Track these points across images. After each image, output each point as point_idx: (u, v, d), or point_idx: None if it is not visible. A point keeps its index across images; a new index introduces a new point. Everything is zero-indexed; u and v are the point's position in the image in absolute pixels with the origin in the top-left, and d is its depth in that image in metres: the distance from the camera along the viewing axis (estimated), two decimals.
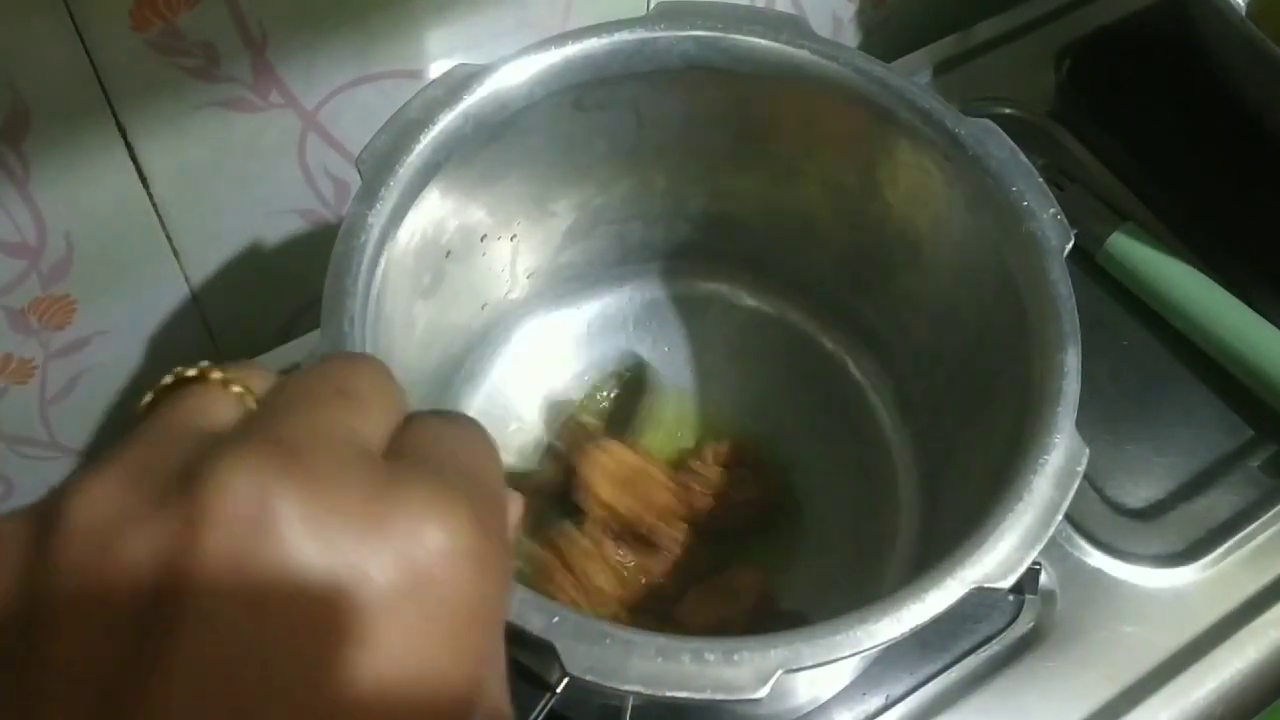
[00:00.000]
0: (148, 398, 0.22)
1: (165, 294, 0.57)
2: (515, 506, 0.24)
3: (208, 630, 0.17)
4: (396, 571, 0.18)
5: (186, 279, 0.57)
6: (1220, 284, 0.60)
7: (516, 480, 0.52)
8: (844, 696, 0.50)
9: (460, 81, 0.46)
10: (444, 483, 0.20)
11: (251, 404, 0.21)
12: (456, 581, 0.19)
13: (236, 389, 0.21)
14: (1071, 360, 0.42)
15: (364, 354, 0.24)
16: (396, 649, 0.18)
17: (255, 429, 0.19)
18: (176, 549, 0.17)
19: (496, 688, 0.22)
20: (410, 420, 0.22)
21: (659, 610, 0.49)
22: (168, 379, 0.22)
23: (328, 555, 0.18)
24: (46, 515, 0.18)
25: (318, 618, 0.18)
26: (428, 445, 0.22)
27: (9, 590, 0.18)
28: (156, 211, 0.53)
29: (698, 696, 0.34)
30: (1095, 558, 0.54)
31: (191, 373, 0.22)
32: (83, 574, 0.18)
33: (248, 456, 0.18)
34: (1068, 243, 0.44)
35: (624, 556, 0.50)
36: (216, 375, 0.21)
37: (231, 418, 0.21)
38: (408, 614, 0.18)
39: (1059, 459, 0.39)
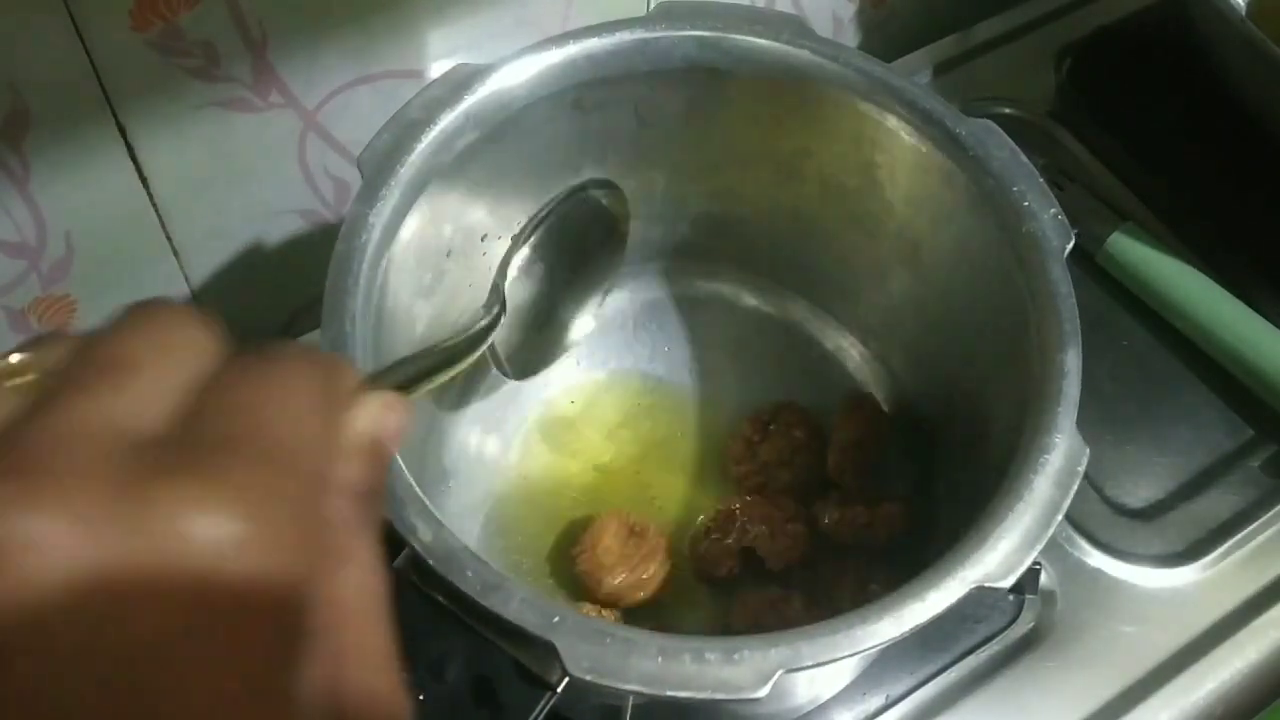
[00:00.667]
0: None
1: (165, 294, 0.57)
2: (384, 417, 0.23)
3: None
4: (160, 574, 0.17)
5: (186, 279, 0.57)
6: (1220, 284, 0.60)
7: None
8: (844, 696, 0.50)
9: (461, 81, 0.46)
10: (210, 463, 0.18)
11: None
12: (227, 569, 0.17)
13: (14, 381, 0.20)
14: (1072, 360, 0.42)
15: (160, 300, 0.21)
16: (176, 649, 0.17)
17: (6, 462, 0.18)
18: None
19: (357, 677, 0.20)
20: (219, 373, 0.20)
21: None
22: None
23: (74, 576, 0.17)
24: None
25: (63, 648, 0.16)
26: (213, 409, 0.19)
27: None
28: (156, 211, 0.53)
29: (698, 696, 0.34)
30: (1095, 558, 0.54)
31: None
32: None
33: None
34: (1068, 243, 0.44)
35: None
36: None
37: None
38: (171, 604, 0.17)
39: (1059, 459, 0.39)
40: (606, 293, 0.54)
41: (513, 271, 0.50)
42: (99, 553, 0.17)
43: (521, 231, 0.51)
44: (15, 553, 0.16)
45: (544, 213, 0.51)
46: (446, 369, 0.40)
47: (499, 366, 0.50)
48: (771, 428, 0.54)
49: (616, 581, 0.49)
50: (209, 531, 0.17)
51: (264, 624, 0.18)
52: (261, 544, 0.18)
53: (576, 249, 0.53)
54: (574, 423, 0.56)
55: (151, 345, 0.20)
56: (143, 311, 0.20)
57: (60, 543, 0.16)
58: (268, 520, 0.18)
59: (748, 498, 0.52)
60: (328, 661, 0.20)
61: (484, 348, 0.46)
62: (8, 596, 0.16)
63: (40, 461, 0.17)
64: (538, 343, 0.52)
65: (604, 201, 0.52)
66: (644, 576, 0.49)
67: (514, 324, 0.49)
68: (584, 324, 0.54)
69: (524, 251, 0.50)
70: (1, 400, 0.19)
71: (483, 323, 0.47)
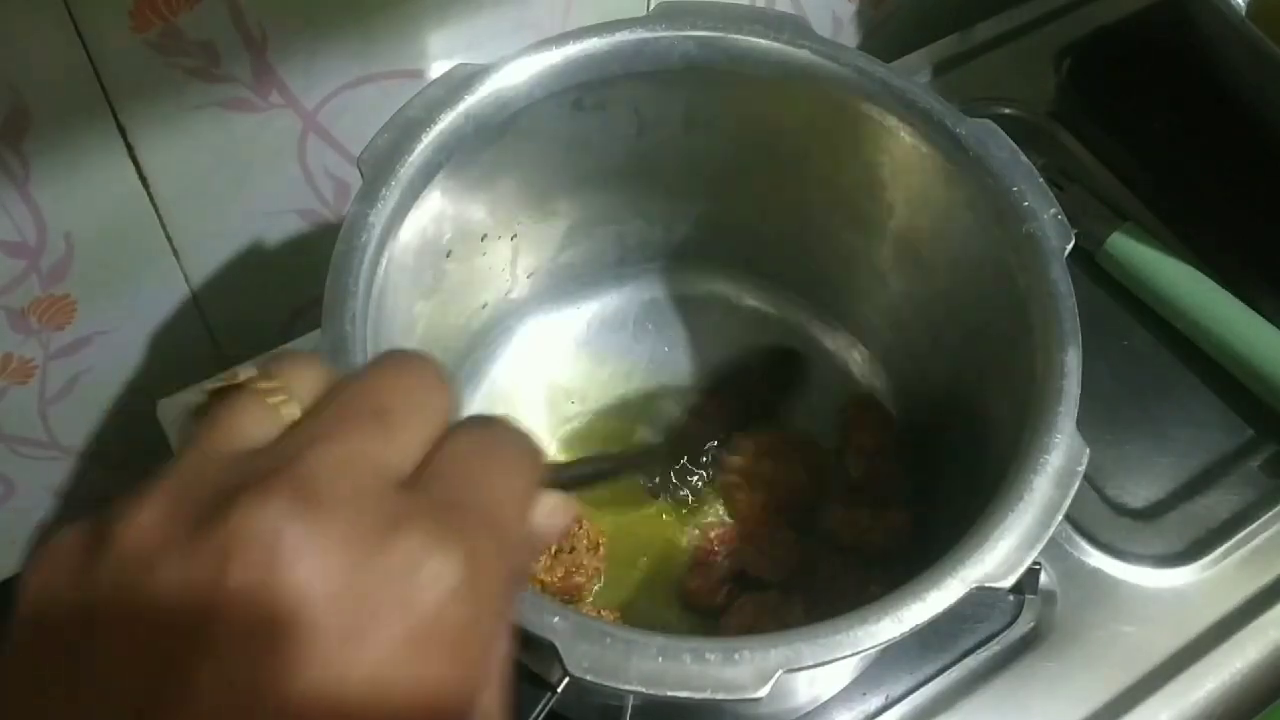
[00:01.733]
0: (197, 403, 0.23)
1: (165, 294, 0.57)
2: (552, 517, 0.26)
3: (230, 654, 0.19)
4: (390, 603, 0.20)
5: (186, 279, 0.57)
6: (1220, 284, 0.60)
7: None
8: (844, 696, 0.50)
9: (461, 81, 0.46)
10: (448, 520, 0.21)
11: (293, 411, 0.22)
12: (445, 613, 0.20)
13: (275, 399, 0.22)
14: (1072, 360, 0.42)
15: (413, 355, 0.24)
16: (388, 668, 0.20)
17: (280, 463, 0.21)
18: (204, 581, 0.19)
19: (492, 707, 0.22)
20: (447, 437, 0.23)
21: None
22: (213, 385, 0.23)
23: (329, 586, 0.20)
24: (97, 534, 0.20)
25: (318, 640, 0.19)
26: (452, 472, 0.22)
27: (61, 599, 0.20)
28: (156, 211, 0.53)
29: (698, 696, 0.34)
30: (1095, 558, 0.54)
31: (238, 380, 0.23)
32: (124, 596, 0.19)
33: (267, 498, 0.20)
34: (1068, 243, 0.44)
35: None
36: (258, 384, 0.23)
37: (267, 435, 0.22)
38: (396, 638, 0.20)
39: (1059, 459, 0.39)
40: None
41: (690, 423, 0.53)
42: (347, 575, 0.20)
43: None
44: (286, 553, 0.19)
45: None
46: (614, 477, 0.45)
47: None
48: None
49: (552, 577, 0.49)
50: (438, 576, 0.20)
51: (471, 650, 0.21)
52: (473, 599, 0.21)
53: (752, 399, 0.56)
54: (574, 422, 0.56)
55: (410, 401, 0.23)
56: (399, 362, 0.24)
57: (322, 559, 0.20)
58: (481, 571, 0.21)
59: (724, 520, 0.52)
60: (488, 684, 0.22)
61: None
62: (268, 590, 0.19)
63: (321, 487, 0.20)
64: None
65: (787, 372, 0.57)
66: (578, 565, 0.50)
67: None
68: None
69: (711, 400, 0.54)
70: (266, 416, 0.22)
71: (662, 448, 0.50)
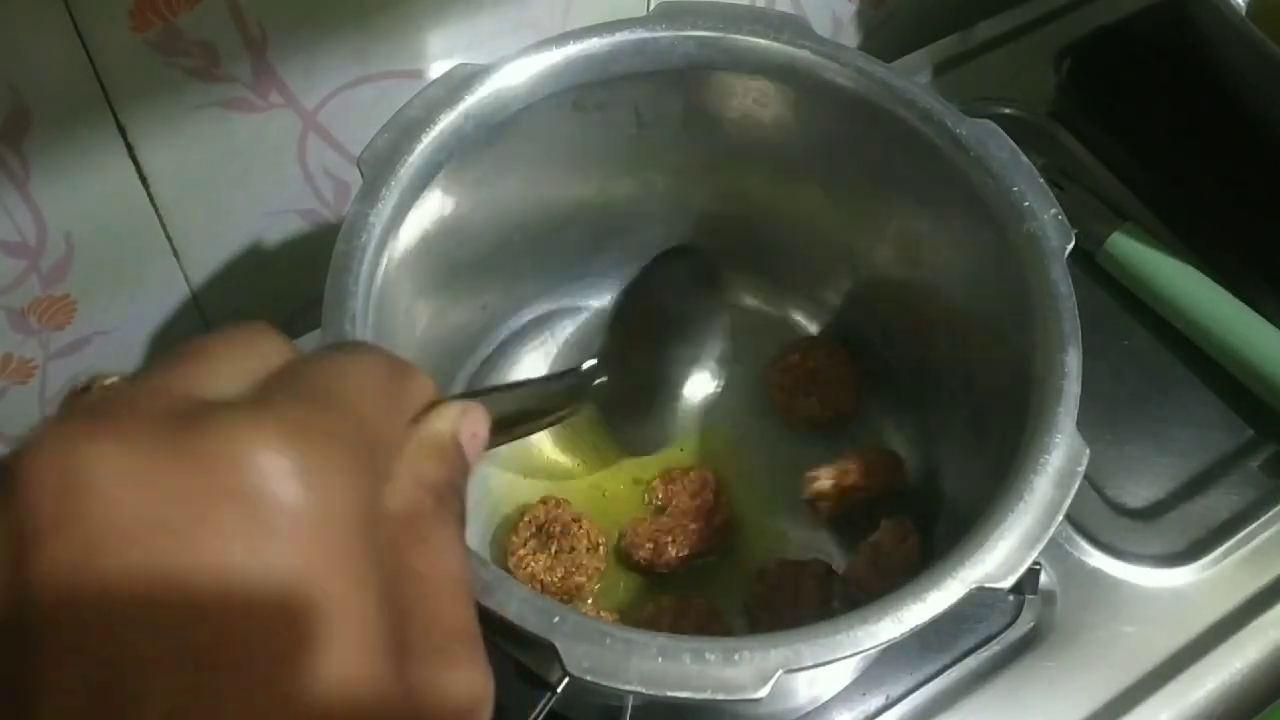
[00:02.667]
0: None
1: (165, 294, 0.57)
2: (465, 421, 0.25)
3: (63, 598, 0.18)
4: (224, 510, 0.18)
5: (186, 279, 0.57)
6: (1220, 284, 0.60)
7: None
8: (844, 696, 0.50)
9: (461, 81, 0.46)
10: (268, 408, 0.20)
11: None
12: (285, 499, 0.19)
13: (101, 384, 0.22)
14: (1072, 360, 0.42)
15: (247, 322, 0.23)
16: (232, 555, 0.18)
17: (75, 411, 0.20)
18: (13, 551, 0.18)
19: (367, 611, 0.20)
20: (296, 360, 0.22)
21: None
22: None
23: (145, 491, 0.18)
24: None
25: (149, 550, 0.18)
26: (295, 377, 0.21)
27: None
28: (156, 211, 0.53)
29: (698, 696, 0.34)
30: (1095, 558, 0.54)
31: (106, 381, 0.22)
32: None
33: (54, 433, 0.18)
34: (1069, 243, 0.44)
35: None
36: (107, 380, 0.22)
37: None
38: (234, 526, 0.18)
39: (1059, 459, 0.39)
40: (718, 361, 0.55)
41: (610, 339, 0.51)
42: (152, 478, 0.18)
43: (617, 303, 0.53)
44: (82, 489, 0.18)
45: (632, 284, 0.53)
46: (541, 416, 0.42)
47: (618, 439, 0.52)
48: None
49: (552, 577, 0.49)
50: (262, 461, 0.18)
51: (327, 538, 0.19)
52: (317, 475, 0.19)
53: (673, 318, 0.55)
54: (574, 422, 0.56)
55: (230, 340, 0.22)
56: (229, 324, 0.23)
57: (114, 466, 0.18)
58: (321, 454, 0.19)
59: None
60: (402, 630, 0.21)
61: (581, 403, 0.47)
62: (78, 527, 0.18)
63: (104, 409, 0.19)
64: (651, 417, 0.54)
65: (689, 266, 0.55)
66: (578, 565, 0.50)
67: (621, 397, 0.50)
68: (696, 389, 0.55)
69: (619, 321, 0.52)
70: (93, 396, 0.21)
71: (585, 367, 0.48)
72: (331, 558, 0.19)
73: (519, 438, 0.41)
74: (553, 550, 0.50)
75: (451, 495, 0.24)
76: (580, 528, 0.50)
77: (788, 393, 0.55)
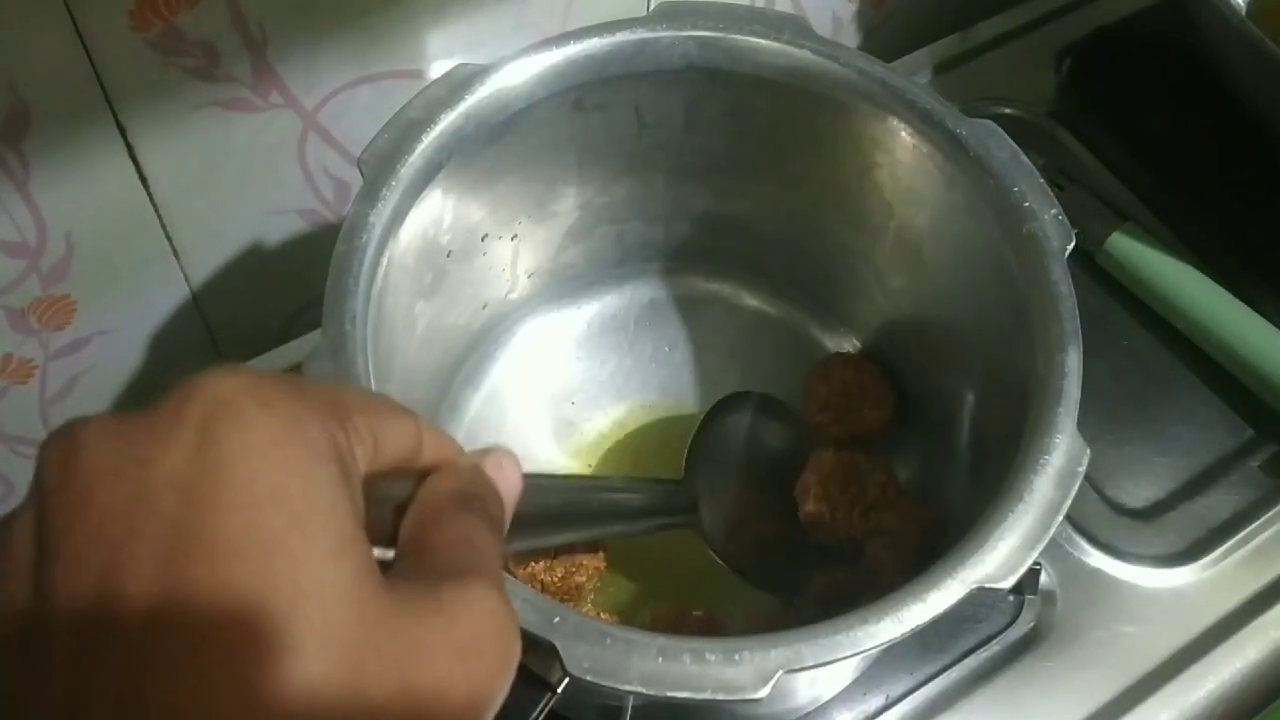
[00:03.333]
0: None
1: (165, 294, 0.57)
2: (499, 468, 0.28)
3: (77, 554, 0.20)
4: (176, 440, 0.21)
5: (186, 279, 0.57)
6: (1220, 284, 0.60)
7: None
8: (844, 696, 0.50)
9: (461, 81, 0.46)
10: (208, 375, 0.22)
11: None
12: (235, 430, 0.21)
13: None
14: (1073, 361, 0.42)
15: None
16: (210, 486, 0.21)
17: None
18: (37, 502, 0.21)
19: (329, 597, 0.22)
20: None
21: None
22: None
23: (120, 447, 0.21)
24: None
25: (120, 487, 0.21)
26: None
27: None
28: (156, 211, 0.53)
29: (698, 696, 0.34)
30: (1095, 558, 0.54)
31: None
32: None
33: (222, 376, 0.22)
34: (1069, 243, 0.44)
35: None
36: None
37: None
38: (198, 462, 0.21)
39: (1060, 459, 0.39)
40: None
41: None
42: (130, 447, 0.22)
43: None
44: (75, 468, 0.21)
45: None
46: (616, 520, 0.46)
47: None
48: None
49: (552, 577, 0.49)
50: (217, 429, 0.21)
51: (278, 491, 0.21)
52: (281, 456, 0.22)
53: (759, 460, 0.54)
54: (574, 422, 0.56)
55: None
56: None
57: (103, 445, 0.21)
58: (298, 438, 0.22)
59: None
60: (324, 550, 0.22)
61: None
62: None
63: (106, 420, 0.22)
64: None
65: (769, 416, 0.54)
66: (578, 565, 0.50)
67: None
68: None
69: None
70: None
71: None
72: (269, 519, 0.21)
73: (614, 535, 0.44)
74: (553, 551, 0.50)
75: (474, 505, 0.27)
76: None
77: (839, 420, 0.54)
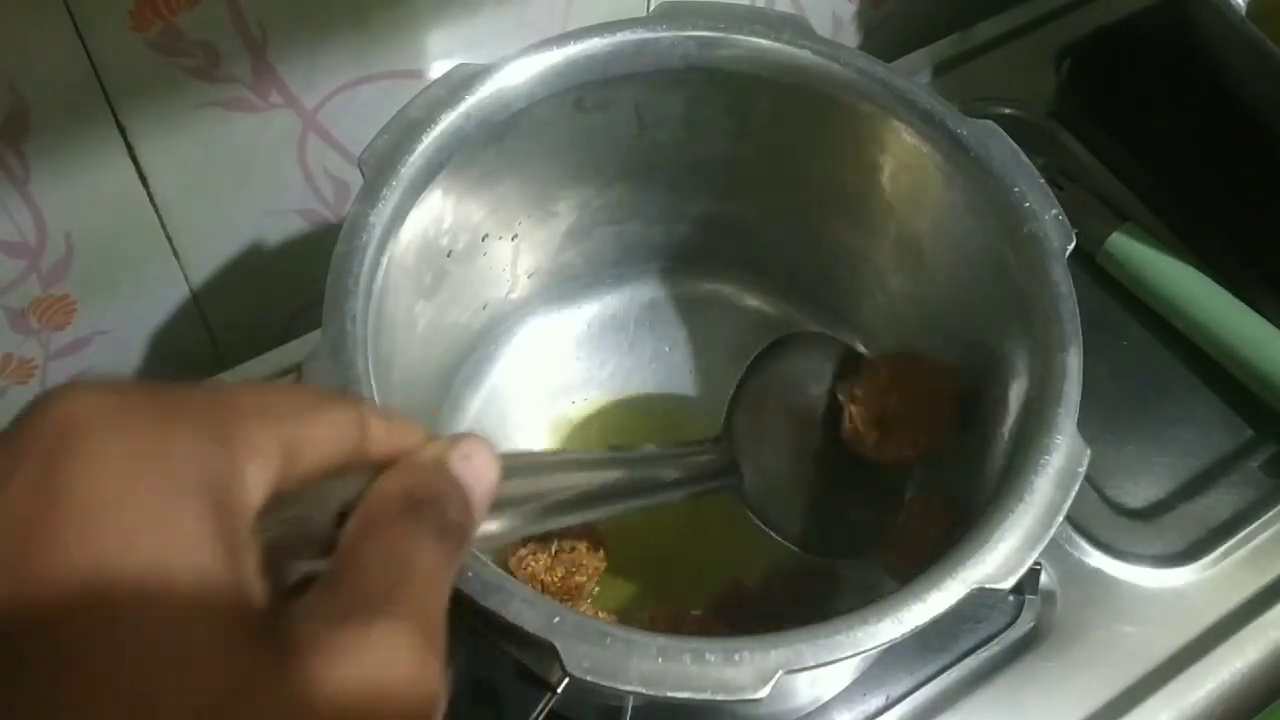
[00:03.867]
0: None
1: (165, 294, 0.57)
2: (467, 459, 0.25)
3: None
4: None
5: (186, 279, 0.57)
6: (1220, 284, 0.60)
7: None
8: (844, 696, 0.50)
9: (462, 81, 0.46)
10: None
11: None
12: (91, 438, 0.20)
13: None
14: (1073, 361, 0.42)
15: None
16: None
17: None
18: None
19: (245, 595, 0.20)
20: None
21: None
22: None
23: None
24: None
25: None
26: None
27: None
28: (156, 211, 0.53)
29: (698, 697, 0.34)
30: (1095, 558, 0.54)
31: None
32: None
33: (75, 393, 0.20)
34: (1069, 244, 0.44)
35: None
36: None
37: None
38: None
39: (1060, 459, 0.39)
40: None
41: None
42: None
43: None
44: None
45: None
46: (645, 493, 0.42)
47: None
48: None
49: (552, 577, 0.49)
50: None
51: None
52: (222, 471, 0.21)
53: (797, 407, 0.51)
54: (574, 422, 0.56)
55: None
56: None
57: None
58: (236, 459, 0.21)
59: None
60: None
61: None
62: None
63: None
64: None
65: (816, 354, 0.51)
66: (578, 564, 0.49)
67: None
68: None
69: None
70: None
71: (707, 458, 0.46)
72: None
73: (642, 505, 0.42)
74: (553, 550, 0.50)
75: (424, 511, 0.24)
76: (581, 526, 0.50)
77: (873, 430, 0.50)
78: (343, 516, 0.24)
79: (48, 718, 0.17)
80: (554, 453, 0.45)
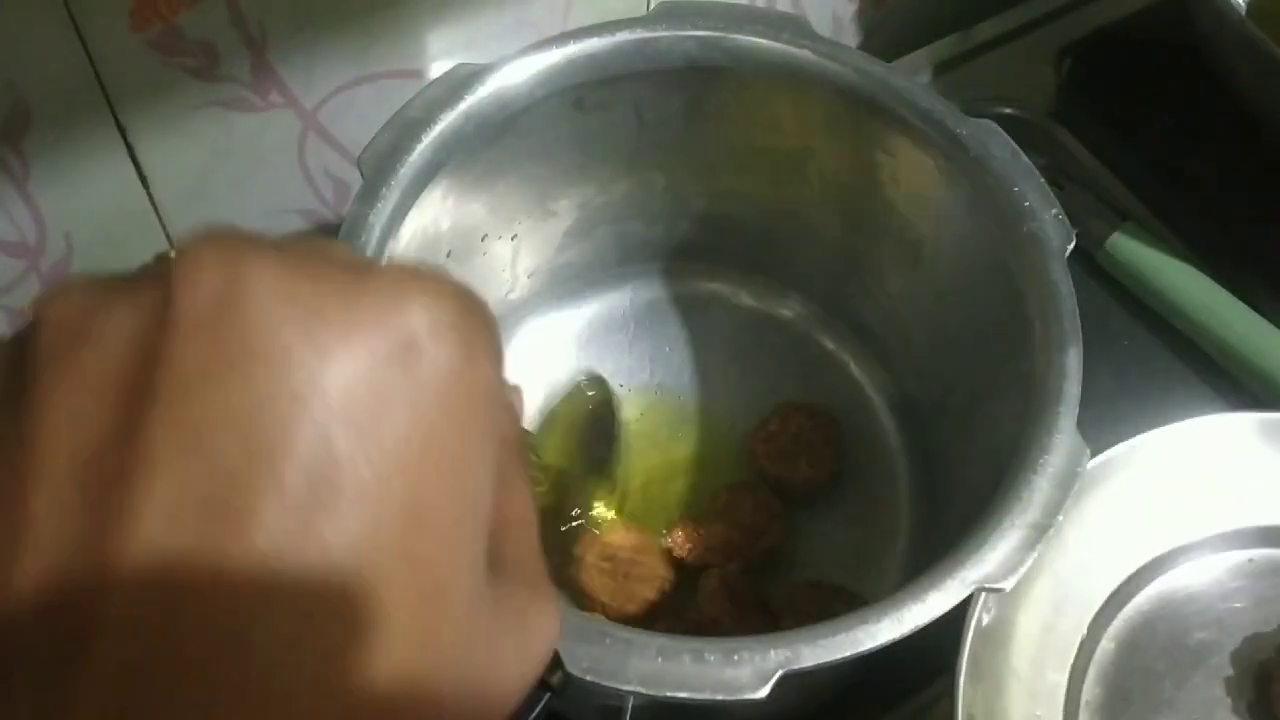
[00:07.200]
0: None
1: None
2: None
3: (187, 393, 0.17)
4: (377, 339, 0.18)
5: None
6: (1220, 284, 0.60)
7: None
8: None
9: (461, 81, 0.46)
10: (426, 272, 0.19)
11: None
12: (442, 355, 0.18)
13: None
14: (1073, 361, 0.42)
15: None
16: (384, 414, 0.18)
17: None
18: (149, 324, 0.17)
19: (516, 582, 0.21)
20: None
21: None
22: None
23: (303, 322, 0.17)
24: (23, 330, 0.18)
25: (283, 377, 0.17)
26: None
27: None
28: (156, 211, 0.53)
29: (698, 697, 0.34)
30: None
31: None
32: (62, 359, 0.17)
33: (219, 241, 0.18)
34: (1070, 243, 0.44)
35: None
36: None
37: None
38: (390, 381, 0.18)
39: (1059, 459, 0.39)
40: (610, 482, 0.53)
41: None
42: (317, 314, 0.17)
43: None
44: (239, 299, 0.17)
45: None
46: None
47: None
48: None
49: (616, 603, 0.49)
50: (426, 313, 0.18)
51: (471, 408, 0.19)
52: (470, 338, 0.19)
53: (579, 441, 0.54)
54: None
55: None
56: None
57: (282, 300, 0.17)
58: (473, 318, 0.19)
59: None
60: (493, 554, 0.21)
61: None
62: (221, 332, 0.17)
63: (270, 240, 0.18)
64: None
65: (592, 397, 0.55)
66: (636, 594, 0.49)
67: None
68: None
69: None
70: None
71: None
72: (460, 428, 0.19)
73: None
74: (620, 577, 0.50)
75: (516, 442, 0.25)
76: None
77: (774, 460, 0.53)
78: None
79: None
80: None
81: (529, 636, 0.22)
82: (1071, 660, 0.47)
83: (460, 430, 0.19)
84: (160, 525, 0.16)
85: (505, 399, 0.21)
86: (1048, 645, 0.46)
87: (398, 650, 0.18)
